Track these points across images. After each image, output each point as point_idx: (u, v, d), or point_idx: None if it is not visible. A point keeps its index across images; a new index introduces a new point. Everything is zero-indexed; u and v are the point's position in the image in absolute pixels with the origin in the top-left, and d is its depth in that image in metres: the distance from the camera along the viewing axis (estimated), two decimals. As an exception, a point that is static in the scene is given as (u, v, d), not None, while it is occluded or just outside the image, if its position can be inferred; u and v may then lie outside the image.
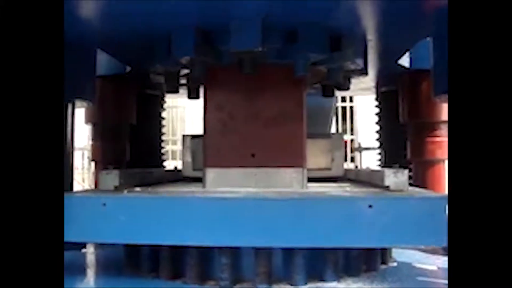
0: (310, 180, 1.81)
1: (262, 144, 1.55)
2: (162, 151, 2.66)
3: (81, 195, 1.32)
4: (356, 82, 2.03)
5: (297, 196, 1.26)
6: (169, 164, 5.78)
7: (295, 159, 1.55)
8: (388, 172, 1.37)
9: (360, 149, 1.81)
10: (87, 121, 2.23)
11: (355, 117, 6.49)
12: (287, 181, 1.54)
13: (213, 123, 1.58)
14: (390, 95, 2.40)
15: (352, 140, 6.60)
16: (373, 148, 1.93)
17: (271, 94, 1.57)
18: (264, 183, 1.53)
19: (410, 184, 1.46)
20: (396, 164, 1.42)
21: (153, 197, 1.28)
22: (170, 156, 6.34)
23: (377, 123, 2.56)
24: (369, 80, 2.26)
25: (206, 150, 1.58)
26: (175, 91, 1.71)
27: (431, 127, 2.08)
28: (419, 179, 2.10)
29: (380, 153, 2.32)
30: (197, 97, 1.80)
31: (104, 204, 1.26)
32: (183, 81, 1.73)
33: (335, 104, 2.93)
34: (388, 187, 1.36)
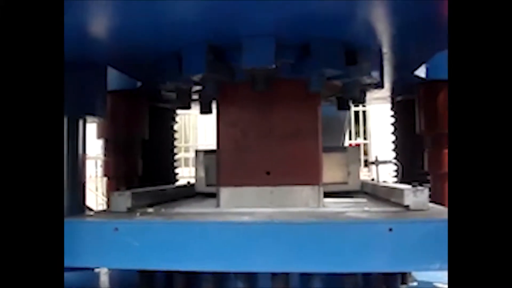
0: (326, 195, 1.78)
1: (276, 162, 1.51)
2: (175, 164, 2.64)
3: (93, 220, 1.30)
4: (371, 93, 1.99)
5: (315, 219, 1.22)
6: (181, 171, 5.80)
7: (311, 177, 1.51)
8: (407, 191, 1.33)
9: (377, 162, 1.78)
10: (99, 136, 2.21)
11: (368, 121, 6.43)
12: (303, 199, 1.49)
13: (226, 140, 1.54)
14: (406, 104, 2.35)
15: (365, 145, 6.55)
16: (390, 162, 1.89)
17: (285, 110, 1.53)
18: (279, 201, 1.49)
19: (430, 200, 1.42)
20: (416, 182, 1.38)
21: (167, 222, 1.26)
22: (182, 163, 6.33)
23: (392, 133, 2.52)
24: (384, 90, 2.21)
25: (220, 168, 1.54)
26: (187, 107, 1.68)
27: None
28: (437, 192, 2.05)
29: (396, 164, 2.28)
30: (210, 111, 1.76)
31: (117, 229, 1.23)
32: (195, 96, 1.70)
33: (349, 114, 2.88)
34: (408, 206, 1.32)
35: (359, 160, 1.89)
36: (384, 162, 1.86)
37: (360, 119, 6.25)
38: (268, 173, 1.51)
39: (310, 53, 1.42)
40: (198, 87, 1.59)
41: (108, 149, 2.23)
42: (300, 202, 1.49)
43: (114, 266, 1.36)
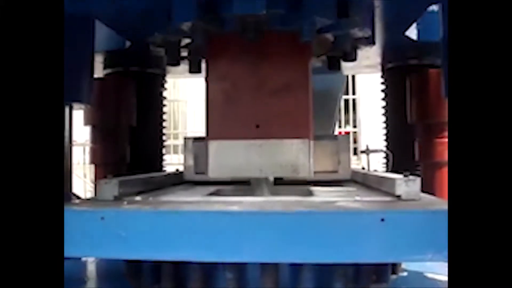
0: (316, 183, 1.76)
1: (266, 115, 1.51)
2: (164, 147, 2.61)
3: (79, 209, 1.26)
4: (362, 58, 1.96)
5: (305, 209, 1.20)
6: (170, 158, 5.76)
7: (301, 130, 1.51)
8: (399, 181, 1.31)
9: (368, 151, 1.76)
10: (86, 123, 2.17)
11: (358, 109, 6.43)
12: (293, 153, 1.49)
13: (216, 94, 1.53)
14: (397, 72, 2.35)
15: (354, 133, 6.55)
16: (381, 150, 1.87)
17: (276, 63, 1.52)
18: (268, 155, 1.49)
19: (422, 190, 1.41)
20: (407, 172, 1.36)
21: (154, 211, 1.22)
22: (171, 150, 6.28)
23: (383, 103, 2.51)
24: (375, 55, 2.20)
25: (209, 122, 1.53)
26: (176, 63, 1.64)
27: (440, 127, 2.02)
28: (428, 181, 2.04)
29: (386, 153, 2.26)
30: (199, 71, 1.73)
31: (103, 218, 1.20)
32: (184, 53, 1.67)
33: (342, 90, 2.87)
34: (399, 196, 1.30)
35: (349, 149, 1.86)
36: (375, 151, 1.84)
37: (350, 107, 6.24)
38: (257, 126, 1.50)
39: (301, 3, 1.40)
40: (187, 40, 1.57)
41: (96, 136, 2.20)
42: (289, 156, 1.49)
43: (101, 256, 1.34)
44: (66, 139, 1.70)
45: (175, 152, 6.43)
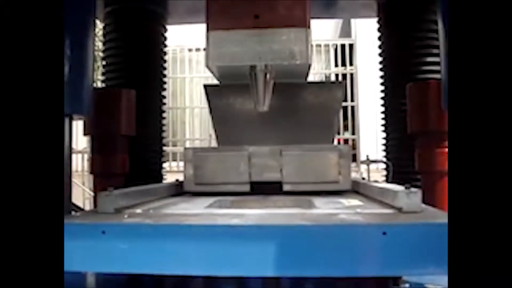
0: (317, 193, 1.76)
1: (265, 5, 1.54)
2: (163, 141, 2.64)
3: (80, 222, 1.26)
4: None
5: (307, 222, 1.19)
6: (169, 165, 5.74)
7: (298, 20, 1.55)
8: (401, 193, 1.31)
9: (368, 162, 1.75)
10: (85, 134, 2.16)
11: (357, 116, 6.42)
12: (291, 41, 1.53)
13: None
14: (391, 7, 2.46)
15: (353, 140, 6.53)
16: (380, 161, 1.86)
17: None
18: (267, 43, 1.53)
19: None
20: (408, 184, 1.36)
21: (155, 225, 1.22)
22: (170, 157, 6.26)
23: (379, 54, 2.60)
24: None
25: (209, 13, 1.56)
26: None
27: (440, 137, 2.01)
28: (428, 190, 2.03)
29: (386, 163, 2.25)
30: None
31: (104, 232, 1.19)
32: None
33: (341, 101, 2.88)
34: (401, 208, 1.30)
35: (350, 159, 1.86)
36: (375, 161, 1.84)
37: (349, 114, 6.23)
38: (256, 16, 1.54)
39: None
40: None
41: (95, 146, 2.18)
42: (287, 43, 1.53)
43: (102, 270, 1.32)
44: (66, 150, 1.69)
45: (174, 159, 6.40)
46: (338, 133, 6.76)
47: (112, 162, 2.13)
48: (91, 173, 2.23)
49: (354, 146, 6.81)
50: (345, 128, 6.59)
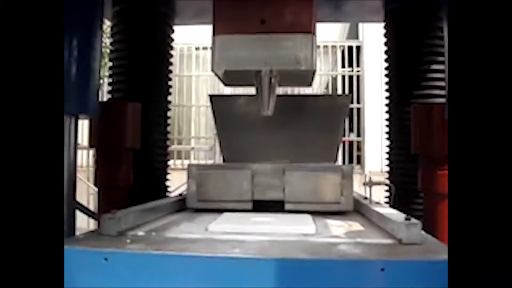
0: (319, 213, 1.77)
1: (272, 10, 1.56)
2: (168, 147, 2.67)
3: (82, 249, 1.27)
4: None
5: (306, 256, 1.21)
6: (174, 163, 5.76)
7: (304, 25, 1.56)
8: (400, 225, 1.32)
9: (370, 184, 1.75)
10: (90, 145, 2.18)
11: (362, 117, 6.43)
12: (296, 47, 1.56)
13: None
14: (399, 13, 2.45)
15: (358, 142, 6.54)
16: (383, 183, 1.87)
17: None
18: (273, 48, 1.55)
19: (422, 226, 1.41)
20: (409, 216, 1.37)
21: (157, 254, 1.23)
22: (175, 156, 6.29)
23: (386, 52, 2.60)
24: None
25: (216, 17, 1.58)
26: None
27: (443, 159, 2.01)
28: (431, 210, 2.04)
29: (389, 186, 2.23)
30: None
31: (106, 259, 1.21)
32: None
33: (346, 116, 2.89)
34: (400, 239, 1.31)
35: (352, 179, 1.86)
36: (378, 183, 1.84)
37: (354, 116, 6.24)
38: (263, 21, 1.55)
39: None
40: None
41: (100, 159, 2.20)
42: (293, 49, 1.56)
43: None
44: (72, 150, 1.71)
45: (179, 157, 6.44)
46: (344, 135, 6.76)
47: (117, 175, 2.14)
48: (95, 185, 2.25)
49: (359, 148, 6.83)
50: (351, 130, 6.60)
